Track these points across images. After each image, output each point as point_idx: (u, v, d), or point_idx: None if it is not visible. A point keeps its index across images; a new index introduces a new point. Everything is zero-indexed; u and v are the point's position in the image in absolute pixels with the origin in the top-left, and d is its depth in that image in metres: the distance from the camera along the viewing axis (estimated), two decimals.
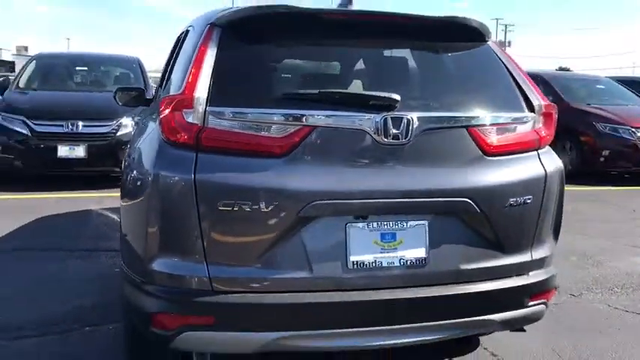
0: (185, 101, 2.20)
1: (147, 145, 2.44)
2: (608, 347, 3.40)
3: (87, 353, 3.07)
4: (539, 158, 2.55)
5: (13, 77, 9.07)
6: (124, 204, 2.49)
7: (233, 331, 2.21)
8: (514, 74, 2.61)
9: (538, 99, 2.57)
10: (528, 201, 2.47)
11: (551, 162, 2.60)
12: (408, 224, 2.33)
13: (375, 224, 2.29)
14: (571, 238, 5.93)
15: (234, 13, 2.38)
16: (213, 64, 2.27)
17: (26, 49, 42.16)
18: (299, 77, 2.55)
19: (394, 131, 2.26)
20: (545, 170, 2.53)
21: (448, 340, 3.23)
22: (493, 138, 2.44)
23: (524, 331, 2.86)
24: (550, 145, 2.65)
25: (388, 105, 2.27)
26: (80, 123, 7.27)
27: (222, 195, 2.15)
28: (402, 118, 2.27)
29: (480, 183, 2.38)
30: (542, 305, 2.59)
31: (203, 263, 2.18)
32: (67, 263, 4.54)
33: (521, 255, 2.50)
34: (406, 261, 2.31)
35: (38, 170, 7.29)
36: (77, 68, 9.17)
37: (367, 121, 2.25)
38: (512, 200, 2.43)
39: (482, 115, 2.46)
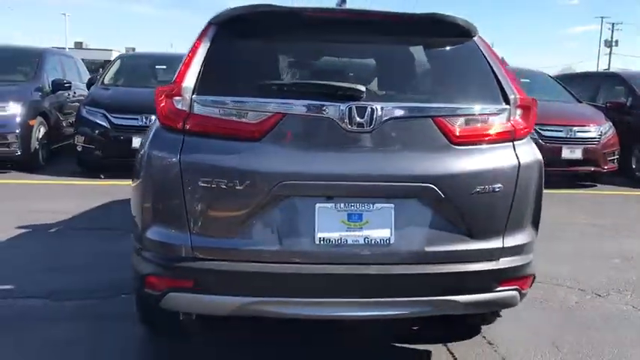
0: (175, 90, 2.51)
1: (150, 131, 2.78)
2: (611, 344, 3.40)
3: (111, 314, 3.49)
4: (514, 149, 2.65)
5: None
6: (132, 182, 2.85)
7: (210, 294, 2.49)
8: (494, 69, 2.72)
9: (514, 92, 2.67)
10: (497, 189, 2.59)
11: (528, 153, 2.69)
12: (375, 206, 2.52)
13: (342, 205, 2.50)
14: (620, 241, 5.80)
15: (228, 11, 2.66)
16: (203, 57, 2.57)
17: (134, 49, 44.95)
18: (277, 69, 2.77)
19: (359, 119, 2.46)
20: (518, 161, 2.63)
21: (447, 327, 3.42)
22: (460, 128, 2.57)
23: (500, 315, 2.96)
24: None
25: (353, 95, 2.48)
26: (153, 117, 7.83)
27: (203, 173, 2.44)
28: (367, 107, 2.47)
29: (445, 170, 2.53)
30: (515, 292, 2.69)
31: (187, 233, 2.48)
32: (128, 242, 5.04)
33: (491, 241, 2.62)
34: (371, 240, 2.50)
35: (115, 159, 7.98)
36: (157, 67, 9.90)
37: (334, 109, 2.47)
38: (479, 188, 2.55)
39: (451, 106, 2.60)
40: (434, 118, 2.55)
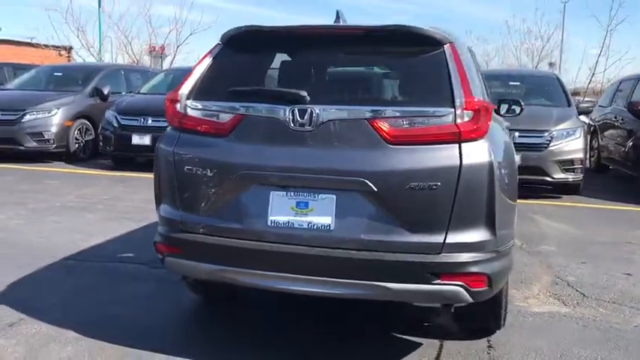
0: (175, 96, 3.16)
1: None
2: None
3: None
4: (460, 150, 2.79)
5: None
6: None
7: (191, 260, 3.09)
8: (451, 75, 2.87)
9: (461, 96, 2.80)
10: (435, 187, 2.76)
11: (475, 155, 2.80)
12: (319, 196, 2.88)
13: (292, 193, 2.91)
14: None
15: (228, 31, 3.25)
16: (203, 70, 3.20)
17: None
18: (250, 78, 3.23)
19: (300, 120, 2.86)
20: (461, 161, 2.77)
21: (447, 323, 3.56)
22: (395, 129, 2.80)
23: (453, 311, 3.05)
24: None
25: (297, 99, 2.89)
26: (150, 119, 9.62)
27: (188, 162, 3.06)
28: (307, 109, 2.85)
29: (377, 167, 2.79)
30: (459, 288, 2.81)
31: (178, 210, 3.12)
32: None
33: (430, 235, 2.79)
34: (314, 225, 2.87)
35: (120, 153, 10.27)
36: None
37: (282, 111, 2.91)
38: (413, 184, 2.76)
39: (388, 109, 2.85)
40: (370, 119, 2.82)
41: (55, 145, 10.53)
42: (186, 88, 3.15)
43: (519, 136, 7.92)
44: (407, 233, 2.80)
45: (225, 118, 3.03)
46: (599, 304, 4.14)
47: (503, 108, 5.32)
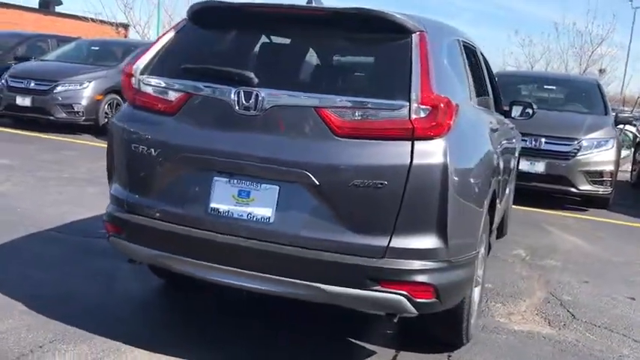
0: (130, 70, 3.02)
1: None
2: None
3: None
4: (412, 148, 2.55)
5: None
6: None
7: (132, 242, 2.96)
8: (413, 67, 2.63)
9: (417, 90, 2.56)
10: (380, 186, 2.54)
11: (429, 155, 2.56)
12: (262, 186, 2.70)
13: (235, 181, 2.74)
14: None
15: (193, 5, 3.08)
16: (163, 44, 3.04)
17: None
18: (206, 56, 3.04)
19: (245, 103, 2.67)
20: (411, 160, 2.53)
21: (406, 332, 3.34)
22: (344, 120, 2.58)
23: (396, 321, 2.82)
24: None
25: (244, 81, 2.69)
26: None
27: (135, 140, 2.92)
28: (252, 92, 2.66)
29: (321, 159, 2.58)
30: (400, 297, 2.59)
31: (125, 189, 2.99)
32: None
33: (374, 238, 2.57)
34: (253, 217, 2.69)
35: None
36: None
37: (228, 92, 2.72)
38: (357, 181, 2.54)
39: (338, 98, 2.62)
40: (317, 108, 2.61)
41: (84, 118, 10.63)
42: (142, 62, 3.01)
43: (545, 143, 7.57)
44: (348, 233, 2.59)
45: (174, 96, 2.88)
46: (587, 328, 3.82)
47: (516, 110, 5.02)
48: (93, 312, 3.37)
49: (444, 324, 3.09)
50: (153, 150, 2.86)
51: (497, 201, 3.79)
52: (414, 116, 2.57)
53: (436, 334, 3.25)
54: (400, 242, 2.58)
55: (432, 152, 2.58)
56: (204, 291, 3.76)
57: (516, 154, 5.50)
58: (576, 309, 4.14)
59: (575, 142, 7.61)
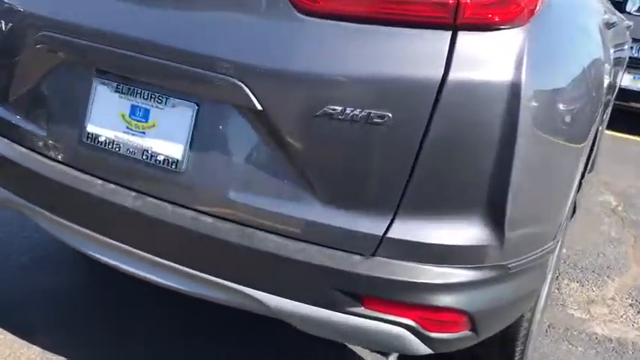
0: None
1: None
2: None
3: None
4: (453, 45, 1.24)
5: None
6: None
7: None
8: None
9: None
10: (378, 120, 1.27)
11: (485, 62, 1.25)
12: (169, 101, 1.47)
13: (126, 87, 1.52)
14: None
15: None
16: None
17: None
18: None
19: None
20: (446, 70, 1.23)
21: None
22: None
23: None
24: None
25: None
26: None
27: None
28: None
29: (270, 60, 1.31)
30: (402, 329, 1.38)
31: None
32: None
33: (359, 218, 1.33)
34: (152, 156, 1.49)
35: None
36: None
37: None
38: (332, 108, 1.28)
39: None
40: None
41: None
42: None
43: None
44: (314, 205, 1.36)
45: None
46: None
47: (633, 3, 3.50)
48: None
49: (485, 349, 1.87)
50: (4, 23, 1.66)
51: (597, 139, 2.45)
52: None
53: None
54: (408, 229, 1.32)
55: (492, 57, 1.26)
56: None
57: (624, 66, 3.99)
58: None
59: None
